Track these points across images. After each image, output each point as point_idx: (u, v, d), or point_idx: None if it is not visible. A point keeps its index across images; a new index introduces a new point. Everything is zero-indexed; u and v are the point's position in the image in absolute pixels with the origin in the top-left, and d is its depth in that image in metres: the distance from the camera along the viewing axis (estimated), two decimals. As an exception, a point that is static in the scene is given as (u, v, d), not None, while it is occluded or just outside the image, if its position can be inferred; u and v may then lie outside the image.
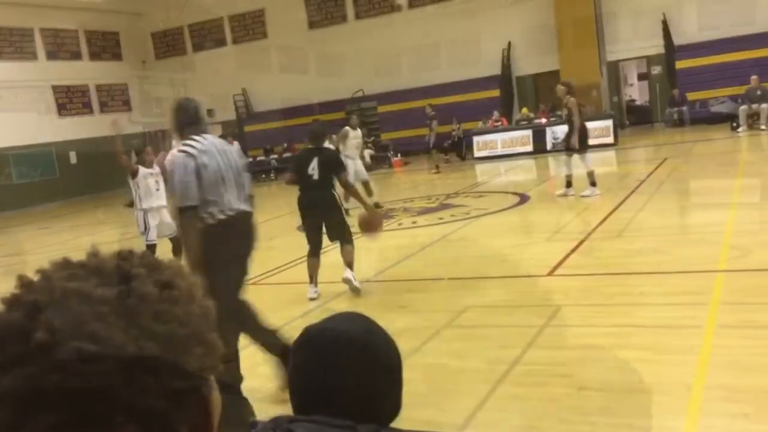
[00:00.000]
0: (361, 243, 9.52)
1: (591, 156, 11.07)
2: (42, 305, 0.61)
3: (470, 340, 5.00)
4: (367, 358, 1.10)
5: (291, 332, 5.36)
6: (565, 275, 6.41)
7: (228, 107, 27.18)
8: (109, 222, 14.57)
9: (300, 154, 7.10)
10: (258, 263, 8.79)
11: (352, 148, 12.01)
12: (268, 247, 11.07)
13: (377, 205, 11.54)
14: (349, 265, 6.67)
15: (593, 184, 10.72)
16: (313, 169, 6.54)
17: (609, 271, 6.43)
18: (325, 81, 25.17)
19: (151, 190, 8.90)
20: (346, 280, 6.64)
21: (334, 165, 6.67)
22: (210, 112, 28.18)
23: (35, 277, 0.65)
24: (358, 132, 12.40)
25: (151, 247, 8.69)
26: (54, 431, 0.58)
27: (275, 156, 23.95)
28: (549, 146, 19.02)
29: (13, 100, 23.38)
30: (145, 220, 8.87)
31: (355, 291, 6.64)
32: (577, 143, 10.83)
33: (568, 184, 11.01)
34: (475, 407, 3.81)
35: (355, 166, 11.52)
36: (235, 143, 5.71)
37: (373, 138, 22.85)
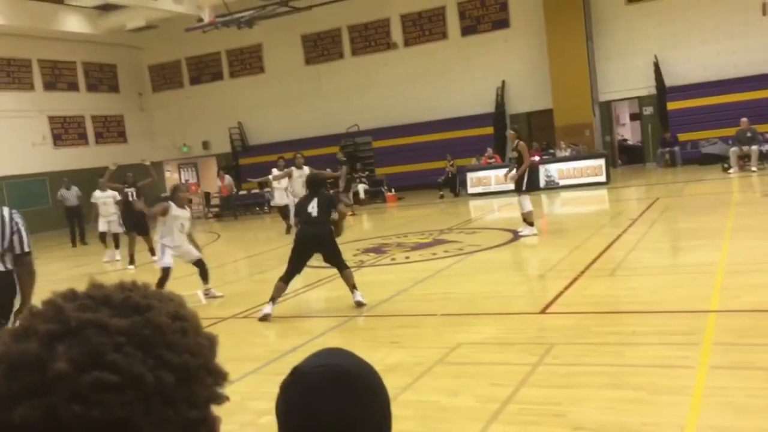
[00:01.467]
0: (356, 277, 9.50)
1: (528, 198, 11.60)
2: (58, 335, 0.60)
3: (462, 377, 4.96)
4: (362, 394, 1.09)
5: (283, 366, 5.31)
6: (557, 313, 6.39)
7: (224, 140, 27.30)
8: (100, 253, 14.49)
9: (301, 199, 8.09)
10: (250, 296, 8.78)
11: (299, 186, 12.94)
12: (261, 280, 11.04)
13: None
14: (354, 287, 7.50)
15: (531, 224, 11.37)
16: (313, 207, 7.47)
17: (601, 309, 6.42)
18: (320, 116, 25.37)
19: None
20: (358, 303, 7.41)
21: (329, 203, 7.71)
22: (206, 144, 28.32)
23: (43, 308, 0.64)
24: (305, 170, 13.28)
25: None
26: None
27: (269, 189, 23.97)
28: (542, 183, 19.13)
29: (8, 129, 23.43)
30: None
31: (362, 306, 7.41)
32: (524, 185, 11.53)
33: (530, 223, 11.49)
34: (466, 446, 3.76)
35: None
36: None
37: (367, 173, 22.96)
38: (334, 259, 7.56)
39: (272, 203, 16.17)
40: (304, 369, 1.09)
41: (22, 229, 4.85)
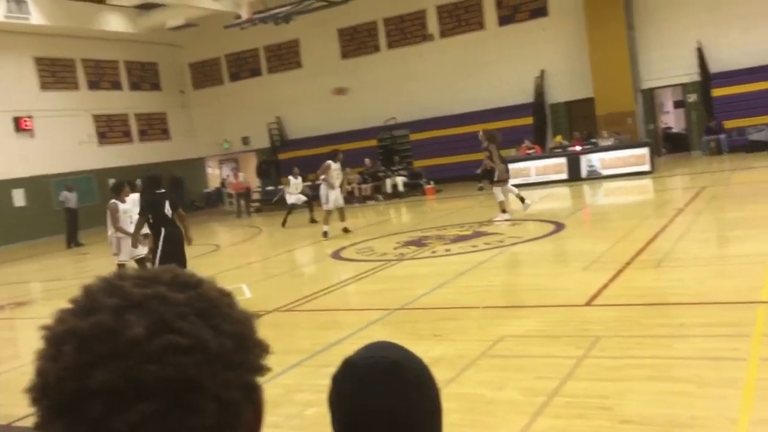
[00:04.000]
0: (396, 270, 9.54)
1: (501, 189, 13.32)
2: (124, 308, 0.64)
3: (506, 370, 4.94)
4: (413, 385, 1.10)
5: (328, 358, 5.37)
6: (603, 305, 6.32)
7: (263, 135, 27.57)
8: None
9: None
10: (293, 289, 8.88)
11: (334, 178, 14.10)
12: (300, 273, 11.15)
13: (346, 230, 13.96)
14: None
15: (503, 211, 12.98)
16: None
17: (648, 301, 6.32)
18: (357, 109, 25.44)
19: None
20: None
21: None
22: (245, 140, 28.65)
23: (100, 286, 0.68)
24: (338, 165, 14.46)
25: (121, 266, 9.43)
26: (150, 419, 0.61)
27: (308, 183, 24.15)
28: (584, 174, 18.88)
29: (56, 128, 24.04)
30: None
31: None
32: (496, 177, 13.41)
33: (503, 211, 12.98)
34: (513, 439, 3.76)
35: (335, 193, 13.97)
36: None
37: (404, 165, 22.94)
38: None
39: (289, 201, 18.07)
40: (355, 360, 1.11)
41: None
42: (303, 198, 18.15)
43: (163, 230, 8.23)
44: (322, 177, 14.26)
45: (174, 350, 0.62)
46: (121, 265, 9.32)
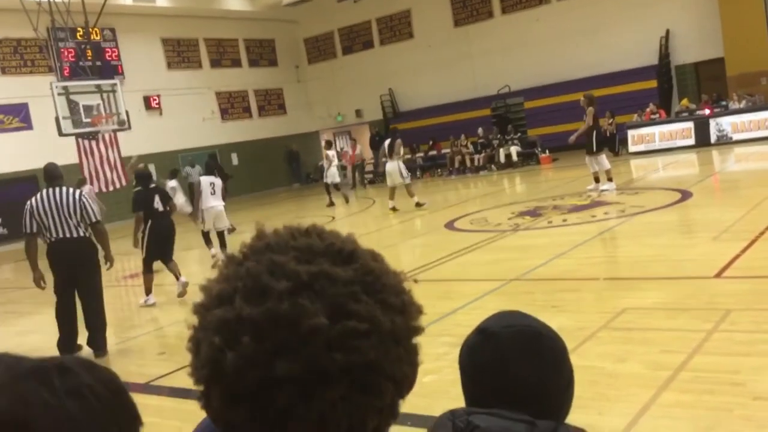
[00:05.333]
0: (511, 241, 9.41)
1: (604, 157, 12.86)
2: (294, 291, 0.64)
3: (629, 343, 4.77)
4: (552, 354, 1.09)
5: (442, 327, 5.38)
6: (734, 277, 5.95)
7: (375, 107, 27.79)
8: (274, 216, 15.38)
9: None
10: (407, 259, 8.95)
11: (399, 155, 14.68)
12: (414, 245, 11.23)
13: (418, 204, 14.21)
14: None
15: (610, 179, 12.60)
16: None
17: (785, 273, 5.89)
18: (470, 78, 25.08)
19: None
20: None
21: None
22: (358, 112, 29.01)
23: (255, 262, 0.67)
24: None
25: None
26: (336, 405, 0.62)
27: (421, 154, 24.19)
28: (713, 139, 17.76)
29: (181, 105, 25.33)
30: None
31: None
32: (594, 146, 12.78)
33: (596, 180, 12.70)
34: (636, 413, 3.63)
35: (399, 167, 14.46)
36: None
37: (519, 134, 22.46)
38: None
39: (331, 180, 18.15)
40: (495, 329, 1.10)
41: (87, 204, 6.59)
42: (337, 178, 18.06)
43: (150, 221, 8.65)
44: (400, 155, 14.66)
45: (354, 336, 0.63)
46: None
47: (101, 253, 6.80)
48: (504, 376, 1.07)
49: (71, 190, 6.62)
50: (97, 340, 6.62)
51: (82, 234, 6.52)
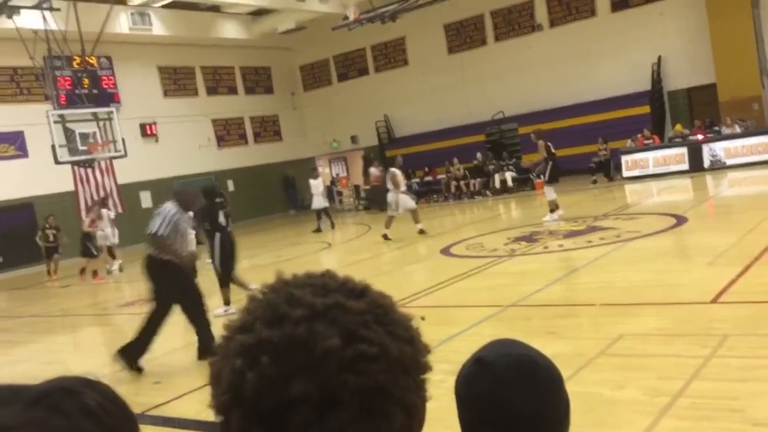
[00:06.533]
0: (507, 267, 9.42)
1: (552, 189, 13.07)
2: (310, 318, 0.67)
3: (626, 369, 4.76)
4: (548, 384, 1.09)
5: (440, 355, 5.35)
6: (730, 302, 5.96)
7: (371, 133, 27.93)
8: (266, 246, 15.36)
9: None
10: (402, 287, 8.94)
11: (401, 183, 14.57)
12: (410, 271, 11.22)
13: (421, 231, 13.94)
14: None
15: (552, 211, 12.89)
16: None
17: (781, 298, 5.91)
18: (464, 104, 25.27)
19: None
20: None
21: None
22: (354, 138, 29.15)
23: (274, 295, 0.71)
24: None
25: None
26: (345, 426, 0.64)
27: (417, 180, 24.27)
28: (707, 164, 17.88)
29: (178, 132, 25.43)
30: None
31: None
32: (546, 176, 13.17)
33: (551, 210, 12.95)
34: (635, 440, 3.62)
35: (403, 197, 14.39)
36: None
37: (514, 160, 22.58)
38: None
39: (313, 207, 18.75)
40: (490, 358, 1.10)
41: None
42: (324, 203, 18.45)
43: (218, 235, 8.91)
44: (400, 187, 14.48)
45: (365, 359, 0.65)
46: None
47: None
48: (500, 406, 1.07)
49: None
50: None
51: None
